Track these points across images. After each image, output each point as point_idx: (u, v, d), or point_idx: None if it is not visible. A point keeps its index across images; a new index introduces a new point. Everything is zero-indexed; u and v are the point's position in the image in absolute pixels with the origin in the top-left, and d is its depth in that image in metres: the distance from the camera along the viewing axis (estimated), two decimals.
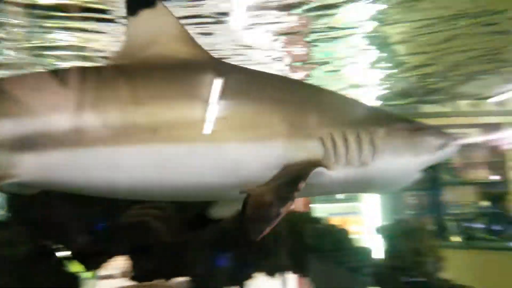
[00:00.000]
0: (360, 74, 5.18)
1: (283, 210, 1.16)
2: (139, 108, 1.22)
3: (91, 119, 1.18)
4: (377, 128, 1.35)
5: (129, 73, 1.33)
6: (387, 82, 5.46)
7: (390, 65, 5.04)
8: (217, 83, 1.28)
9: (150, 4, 1.36)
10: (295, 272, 1.79)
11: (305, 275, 1.79)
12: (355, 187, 1.46)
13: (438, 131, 1.48)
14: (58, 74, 1.34)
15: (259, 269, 1.68)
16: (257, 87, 1.38)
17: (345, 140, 1.29)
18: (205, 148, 1.22)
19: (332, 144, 1.27)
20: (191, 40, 1.42)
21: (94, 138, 1.17)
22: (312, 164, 1.24)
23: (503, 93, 6.36)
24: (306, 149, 1.26)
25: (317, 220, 1.97)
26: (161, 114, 1.23)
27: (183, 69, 1.34)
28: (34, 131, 1.17)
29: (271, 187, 1.20)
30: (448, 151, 1.46)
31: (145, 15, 1.36)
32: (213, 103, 1.24)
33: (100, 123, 1.17)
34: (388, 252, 1.94)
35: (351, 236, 2.02)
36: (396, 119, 1.44)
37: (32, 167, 1.16)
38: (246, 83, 1.38)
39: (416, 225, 2.07)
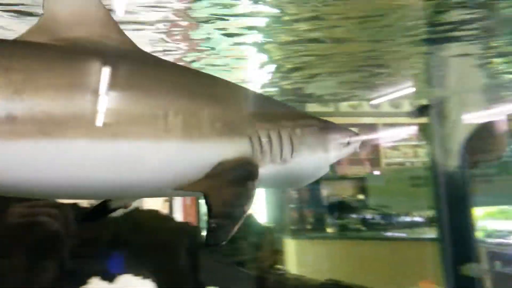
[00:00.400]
0: (246, 72, 5.29)
1: (246, 209, 1.18)
2: (29, 96, 1.08)
3: None
4: (294, 126, 1.41)
5: (31, 53, 1.18)
6: (273, 82, 5.65)
7: (276, 64, 5.22)
8: (139, 74, 1.22)
9: None
10: (137, 274, 1.76)
11: (148, 276, 1.77)
12: (276, 183, 1.52)
13: (343, 128, 1.60)
14: None
15: (94, 273, 1.62)
16: (184, 82, 1.33)
17: (269, 138, 1.33)
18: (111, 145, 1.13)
19: (258, 143, 1.31)
20: (116, 26, 1.31)
21: None
22: (248, 162, 1.27)
23: (381, 96, 6.94)
24: (237, 147, 1.27)
25: (166, 218, 1.96)
26: (49, 105, 1.10)
27: (101, 57, 1.22)
28: None
29: (226, 185, 1.21)
30: (352, 147, 1.59)
31: None
32: (128, 96, 1.17)
33: None
34: (230, 248, 2.01)
35: (199, 232, 2.05)
36: (307, 117, 1.51)
37: None
38: (171, 77, 1.32)
39: (257, 221, 2.17)
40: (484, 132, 3.14)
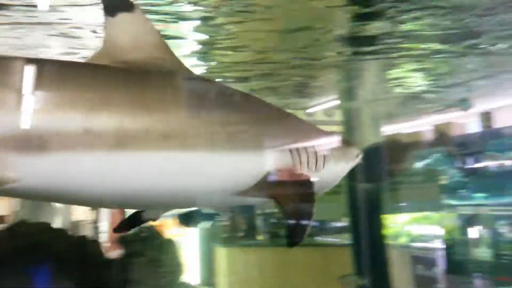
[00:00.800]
0: None
1: (313, 213, 1.44)
2: (105, 112, 1.24)
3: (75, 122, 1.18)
4: (323, 140, 1.64)
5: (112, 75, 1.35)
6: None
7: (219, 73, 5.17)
8: (193, 95, 1.38)
9: (128, 8, 1.36)
10: None
11: None
12: None
13: (354, 143, 1.94)
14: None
15: None
16: (235, 102, 1.54)
17: (306, 151, 1.54)
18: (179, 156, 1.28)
19: (297, 155, 1.52)
20: (168, 49, 1.46)
21: (100, 141, 1.18)
22: (293, 172, 1.47)
23: (320, 104, 7.07)
24: (282, 159, 1.48)
25: (59, 231, 1.86)
26: (122, 120, 1.24)
27: (160, 77, 1.39)
28: (34, 131, 1.12)
29: (293, 194, 1.45)
30: (359, 159, 1.86)
31: (123, 19, 1.35)
32: (191, 113, 1.32)
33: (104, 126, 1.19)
34: (128, 262, 1.94)
35: (97, 247, 1.96)
36: (332, 134, 1.77)
37: (32, 170, 1.11)
38: (223, 98, 1.52)
39: (158, 234, 2.12)
40: (392, 143, 3.28)
